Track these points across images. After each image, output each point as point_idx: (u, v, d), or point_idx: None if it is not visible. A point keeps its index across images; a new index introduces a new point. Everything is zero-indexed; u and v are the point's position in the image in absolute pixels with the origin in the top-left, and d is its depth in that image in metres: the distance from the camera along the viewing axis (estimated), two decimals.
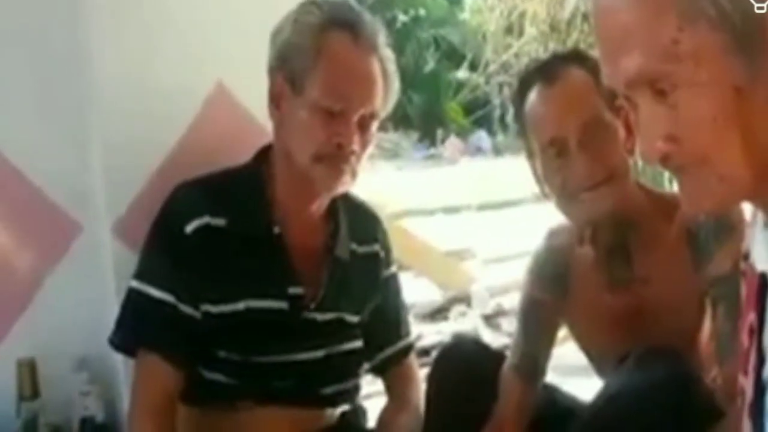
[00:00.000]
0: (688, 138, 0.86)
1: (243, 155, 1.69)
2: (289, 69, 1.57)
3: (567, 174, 1.53)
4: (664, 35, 0.83)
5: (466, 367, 1.70)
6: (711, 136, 0.84)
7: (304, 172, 1.58)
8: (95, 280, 1.80)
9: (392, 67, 1.61)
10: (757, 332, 0.96)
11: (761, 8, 0.82)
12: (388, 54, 1.61)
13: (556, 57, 1.65)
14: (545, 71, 1.58)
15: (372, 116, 1.59)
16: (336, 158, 1.56)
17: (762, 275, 0.94)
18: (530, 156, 1.61)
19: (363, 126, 1.58)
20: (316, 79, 1.55)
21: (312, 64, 1.55)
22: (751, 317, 0.97)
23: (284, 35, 1.59)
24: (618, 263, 1.62)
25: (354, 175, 1.60)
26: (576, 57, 1.62)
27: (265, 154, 1.68)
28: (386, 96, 1.61)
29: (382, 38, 1.60)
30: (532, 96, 1.57)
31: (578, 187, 1.53)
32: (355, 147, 1.57)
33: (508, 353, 1.76)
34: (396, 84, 1.63)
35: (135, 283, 1.61)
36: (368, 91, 1.57)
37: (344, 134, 1.55)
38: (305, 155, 1.57)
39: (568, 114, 1.53)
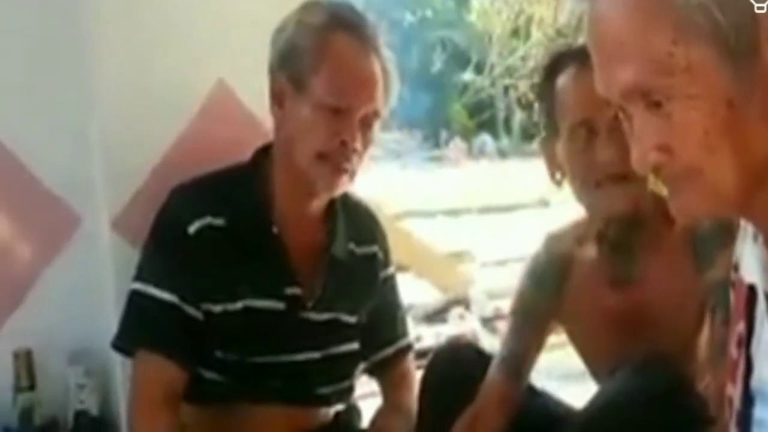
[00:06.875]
0: (681, 149, 0.86)
1: (243, 152, 1.69)
2: (292, 68, 1.59)
3: (593, 157, 1.51)
4: (658, 48, 0.84)
5: (459, 371, 1.68)
6: (702, 148, 0.85)
7: (305, 170, 1.59)
8: (93, 274, 1.81)
9: (392, 67, 1.64)
10: (745, 342, 0.96)
11: (761, 8, 0.82)
12: (388, 54, 1.63)
13: None
14: (582, 54, 1.57)
15: (374, 115, 1.60)
16: (338, 156, 1.57)
17: (750, 287, 0.95)
18: (548, 139, 1.59)
19: (365, 125, 1.59)
20: (319, 77, 1.56)
21: (316, 63, 1.56)
22: (740, 327, 0.97)
23: (287, 35, 1.60)
24: (622, 260, 1.61)
25: (353, 175, 1.61)
26: None
27: (263, 153, 1.68)
28: (387, 95, 1.62)
29: (382, 40, 1.62)
30: (566, 77, 1.55)
31: (603, 173, 1.50)
32: (358, 145, 1.58)
33: None
34: (396, 84, 1.65)
35: (137, 285, 1.60)
36: (371, 90, 1.59)
37: (347, 132, 1.56)
38: (308, 153, 1.57)
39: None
